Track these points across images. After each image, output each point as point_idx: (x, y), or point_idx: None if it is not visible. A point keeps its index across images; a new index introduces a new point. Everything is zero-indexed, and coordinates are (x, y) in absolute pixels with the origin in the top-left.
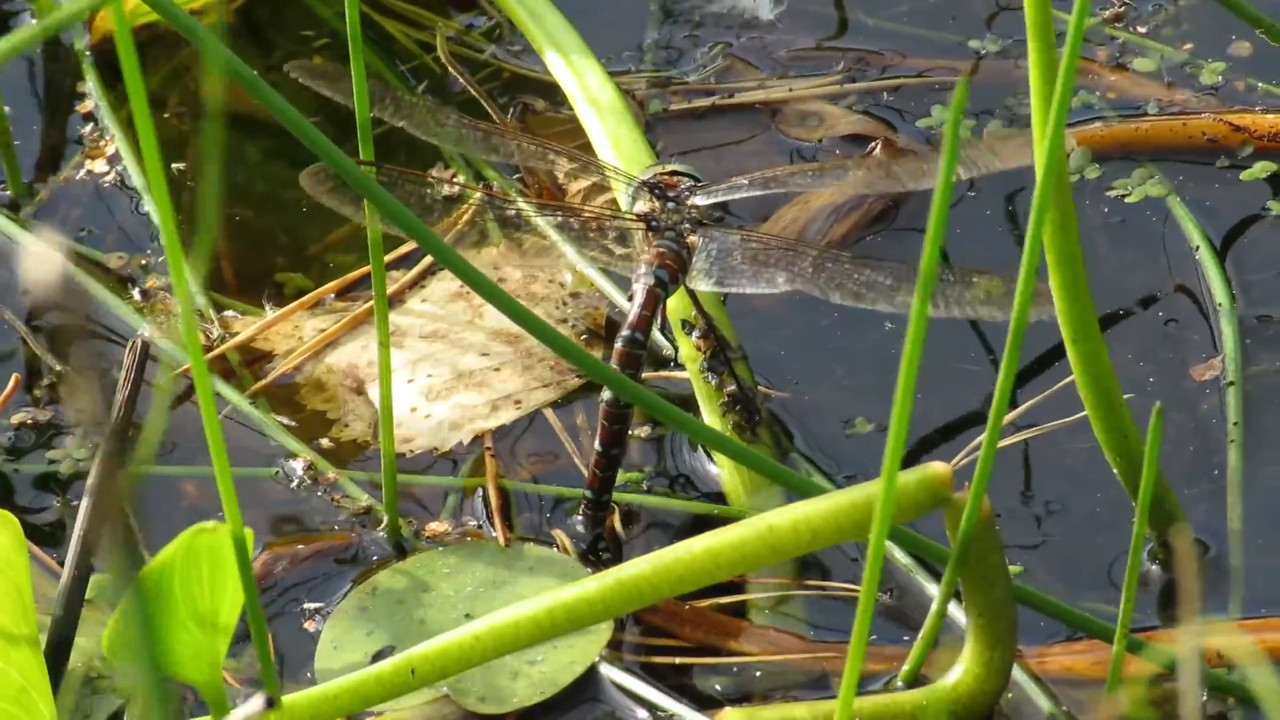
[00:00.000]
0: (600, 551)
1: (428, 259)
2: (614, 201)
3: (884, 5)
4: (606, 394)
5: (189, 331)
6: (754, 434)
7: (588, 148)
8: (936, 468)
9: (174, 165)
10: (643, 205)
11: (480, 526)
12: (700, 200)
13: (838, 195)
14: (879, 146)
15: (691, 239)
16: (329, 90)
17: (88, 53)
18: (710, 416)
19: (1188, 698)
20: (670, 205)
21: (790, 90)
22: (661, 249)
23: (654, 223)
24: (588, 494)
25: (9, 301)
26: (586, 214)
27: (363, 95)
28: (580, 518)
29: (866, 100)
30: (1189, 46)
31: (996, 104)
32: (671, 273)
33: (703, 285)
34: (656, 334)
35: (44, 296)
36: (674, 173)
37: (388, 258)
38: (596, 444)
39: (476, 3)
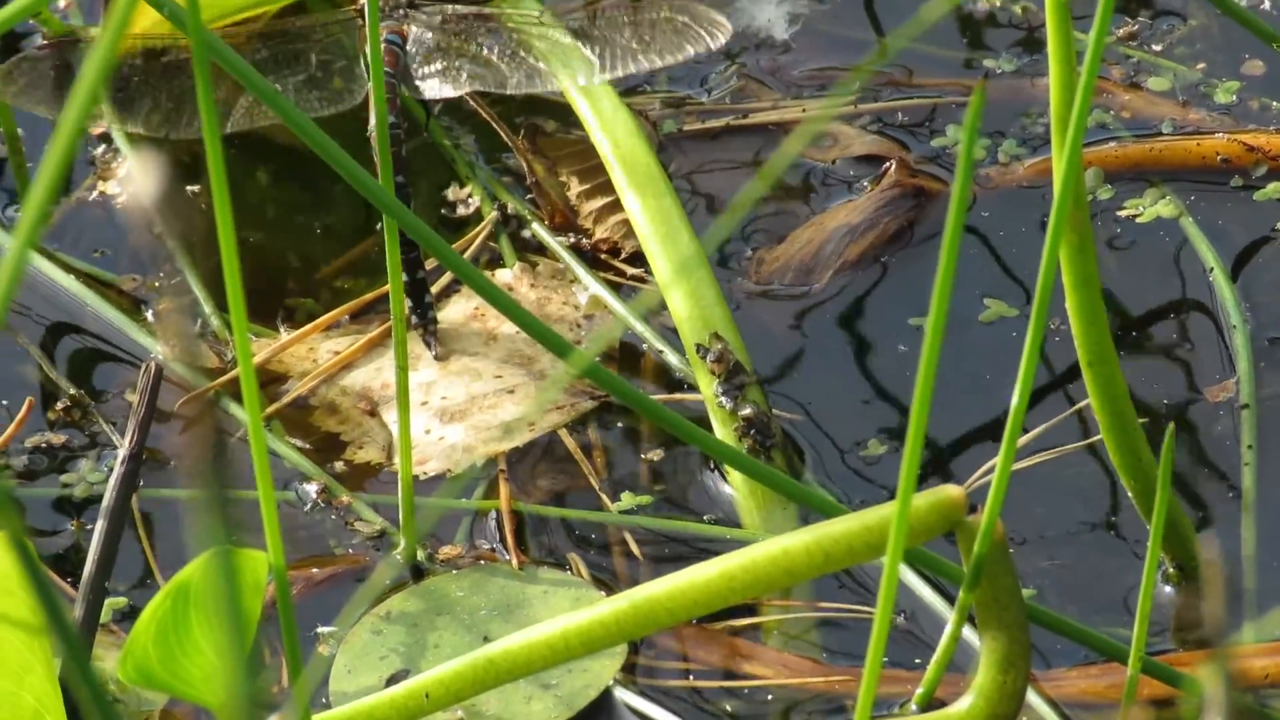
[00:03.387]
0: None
1: (442, 281)
2: (627, 223)
3: (898, 25)
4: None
5: (247, 376)
6: (769, 457)
7: (599, 169)
8: (950, 490)
9: (188, 188)
10: None
11: (494, 549)
12: None
13: (851, 215)
14: (893, 166)
15: (406, 27)
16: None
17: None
18: (725, 440)
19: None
20: None
21: (804, 110)
22: (388, 25)
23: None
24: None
25: (25, 325)
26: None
27: (383, 117)
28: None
29: (881, 120)
30: (1202, 66)
31: (1011, 123)
32: (402, 35)
33: (415, 86)
34: (669, 357)
35: (144, 205)
36: None
37: None
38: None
39: None
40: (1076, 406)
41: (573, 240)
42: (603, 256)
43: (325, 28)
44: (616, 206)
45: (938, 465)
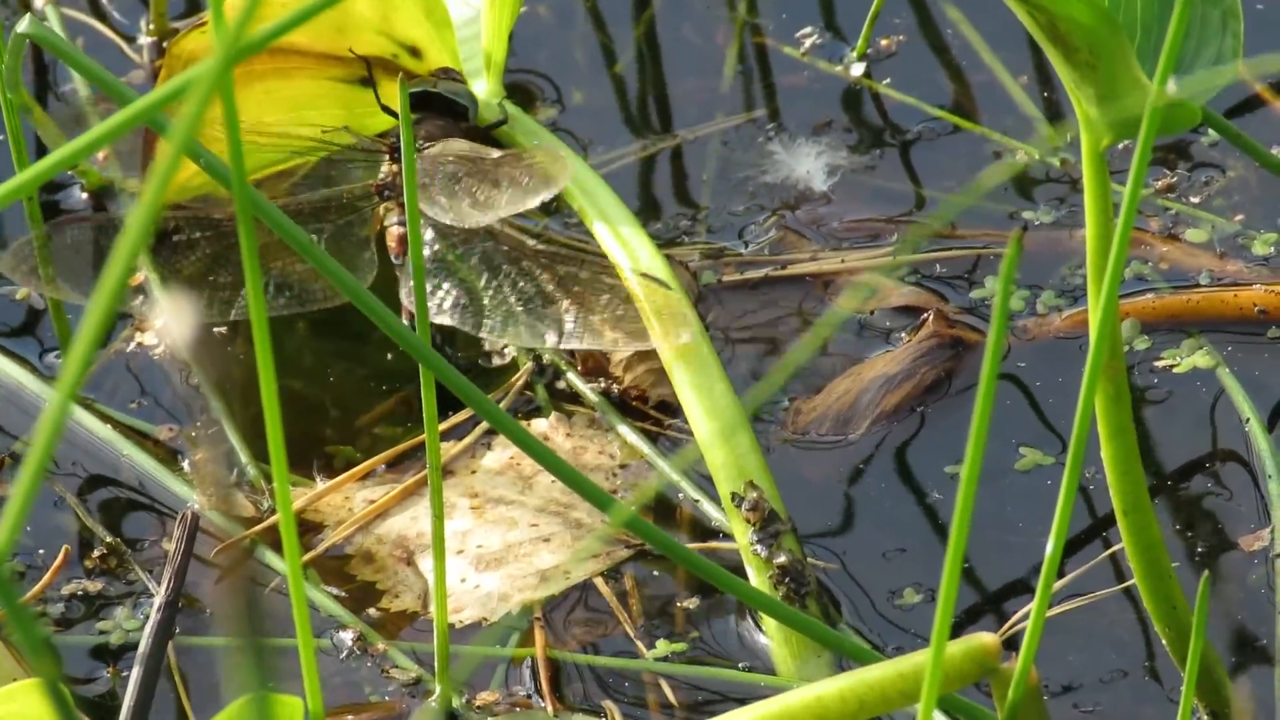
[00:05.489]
0: None
1: (476, 431)
2: (655, 371)
3: (937, 177)
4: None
5: (287, 524)
6: (803, 606)
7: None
8: (984, 638)
9: (218, 329)
10: (384, 169)
11: (529, 696)
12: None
13: (889, 366)
14: (931, 317)
15: None
16: None
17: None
18: (760, 588)
19: None
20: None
21: (843, 261)
22: (401, 224)
23: (388, 192)
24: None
25: (62, 474)
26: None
27: (419, 268)
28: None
29: (919, 271)
30: (1240, 217)
31: (1050, 275)
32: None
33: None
34: (705, 505)
35: (179, 349)
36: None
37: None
38: None
39: None
40: (1110, 550)
41: (603, 385)
42: (633, 403)
43: (341, 207)
44: (646, 355)
45: (973, 613)
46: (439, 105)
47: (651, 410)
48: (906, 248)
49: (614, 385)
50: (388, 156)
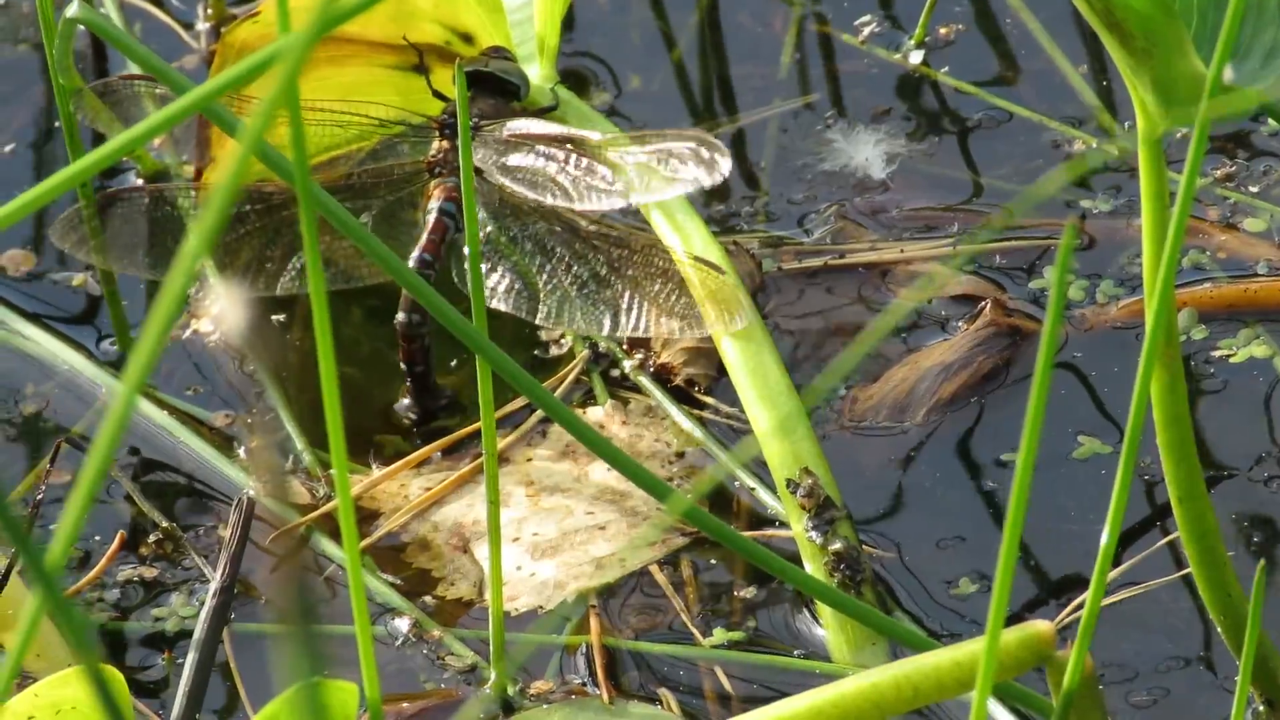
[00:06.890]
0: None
1: (532, 419)
2: (690, 350)
3: (995, 165)
4: (400, 316)
5: (346, 511)
6: (859, 593)
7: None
8: (1039, 626)
9: (274, 316)
10: (435, 146)
11: (584, 684)
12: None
13: (946, 354)
14: (989, 305)
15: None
16: None
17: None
18: (815, 575)
19: None
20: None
21: (902, 251)
22: (450, 184)
23: (439, 169)
24: (412, 416)
25: (118, 460)
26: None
27: (476, 255)
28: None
29: (976, 261)
30: None
31: (1109, 264)
32: (458, 204)
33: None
34: (761, 493)
35: (232, 338)
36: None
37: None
38: (403, 364)
39: None
40: (1166, 539)
41: (639, 359)
42: (667, 378)
43: (390, 183)
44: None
45: (1029, 601)
46: (489, 84)
47: (679, 383)
48: (970, 241)
49: (652, 360)
50: (437, 133)
